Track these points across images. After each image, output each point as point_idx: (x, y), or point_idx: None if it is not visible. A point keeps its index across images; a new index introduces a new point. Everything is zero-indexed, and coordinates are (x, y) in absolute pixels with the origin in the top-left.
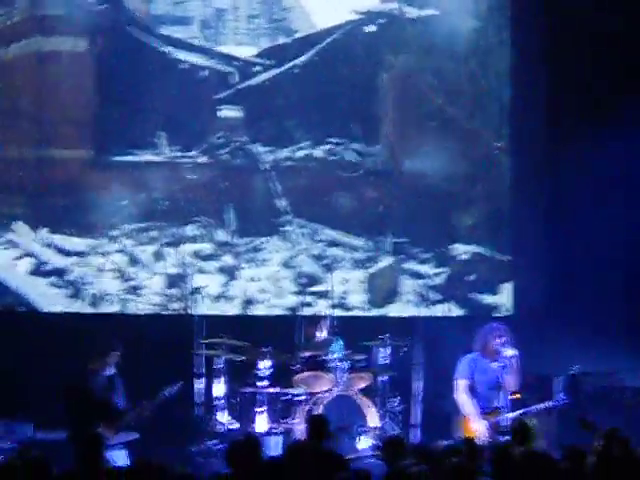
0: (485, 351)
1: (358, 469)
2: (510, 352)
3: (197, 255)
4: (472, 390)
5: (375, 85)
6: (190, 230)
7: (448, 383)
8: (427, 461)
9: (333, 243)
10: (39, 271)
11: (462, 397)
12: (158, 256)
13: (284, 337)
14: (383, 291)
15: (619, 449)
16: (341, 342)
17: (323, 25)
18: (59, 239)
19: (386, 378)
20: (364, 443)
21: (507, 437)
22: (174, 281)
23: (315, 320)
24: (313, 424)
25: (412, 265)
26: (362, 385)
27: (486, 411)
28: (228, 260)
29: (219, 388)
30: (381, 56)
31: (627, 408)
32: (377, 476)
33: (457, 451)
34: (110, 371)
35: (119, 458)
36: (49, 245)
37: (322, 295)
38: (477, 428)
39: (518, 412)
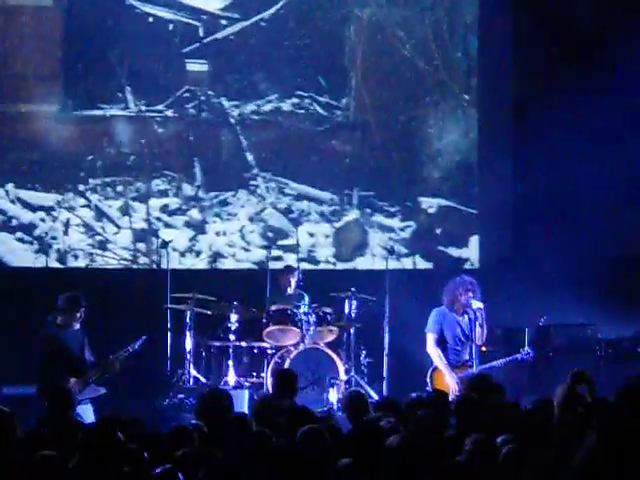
0: (454, 304)
1: (327, 423)
2: (477, 304)
3: (164, 210)
4: (441, 343)
5: (342, 37)
6: (157, 185)
7: (415, 336)
8: (394, 414)
9: (300, 197)
10: (6, 227)
11: (431, 350)
12: (125, 211)
13: (252, 291)
14: (350, 245)
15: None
16: (306, 296)
17: None
18: (25, 194)
19: (353, 331)
20: (334, 396)
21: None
22: (141, 236)
23: (285, 272)
24: (279, 378)
25: (379, 218)
26: (330, 338)
27: (455, 364)
28: (195, 214)
29: (188, 342)
30: (348, 8)
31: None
32: (346, 429)
33: (424, 404)
34: (77, 326)
35: (86, 413)
36: (15, 200)
37: (290, 249)
38: (448, 382)
39: (486, 365)
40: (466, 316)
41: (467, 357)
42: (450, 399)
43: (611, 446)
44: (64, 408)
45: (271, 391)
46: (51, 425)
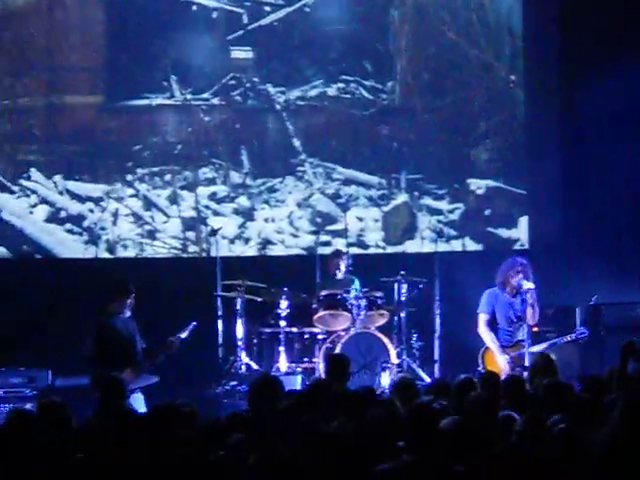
0: (505, 285)
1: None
2: (527, 285)
3: (212, 198)
4: (493, 324)
5: (387, 21)
6: (204, 173)
7: (466, 318)
8: (446, 396)
9: (348, 182)
10: (55, 218)
11: (482, 331)
12: (173, 200)
13: (302, 277)
14: (399, 228)
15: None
16: (356, 281)
17: None
18: (74, 185)
19: (404, 315)
20: (386, 379)
21: (528, 370)
22: (190, 224)
23: (334, 257)
24: (332, 363)
25: (427, 201)
26: (381, 322)
27: (508, 345)
28: (243, 202)
29: (239, 329)
30: None
31: None
32: None
33: (474, 385)
34: (128, 314)
35: (137, 403)
36: (64, 192)
37: (338, 234)
38: (499, 362)
39: (539, 345)
40: (518, 297)
41: (519, 337)
42: (501, 379)
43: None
44: (117, 398)
45: (323, 376)
46: (104, 415)
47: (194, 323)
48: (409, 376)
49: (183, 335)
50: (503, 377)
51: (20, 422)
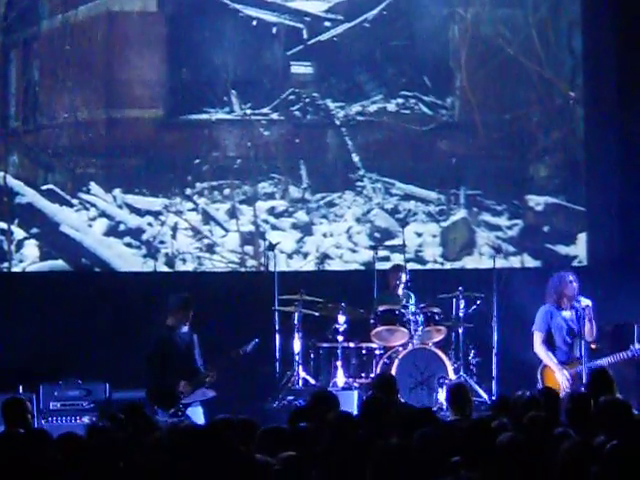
0: (559, 300)
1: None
2: (585, 302)
3: (271, 212)
4: (550, 341)
5: (446, 37)
6: (263, 187)
7: (524, 334)
8: (506, 414)
9: (407, 197)
10: (114, 231)
11: (539, 349)
12: (232, 214)
13: (359, 292)
14: (457, 244)
15: None
16: (412, 296)
17: None
18: (133, 199)
19: (462, 331)
20: (443, 395)
21: (585, 387)
22: (249, 238)
23: (393, 271)
24: (380, 383)
25: (486, 217)
26: (438, 338)
27: (565, 362)
28: (302, 216)
29: (296, 344)
30: (451, 8)
31: None
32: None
33: (536, 402)
34: (186, 328)
35: (196, 415)
36: (123, 205)
37: (397, 249)
38: (558, 379)
39: (598, 362)
40: (573, 312)
41: (576, 354)
42: (561, 396)
43: None
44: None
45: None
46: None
47: (257, 340)
48: (463, 382)
49: (246, 348)
50: (562, 394)
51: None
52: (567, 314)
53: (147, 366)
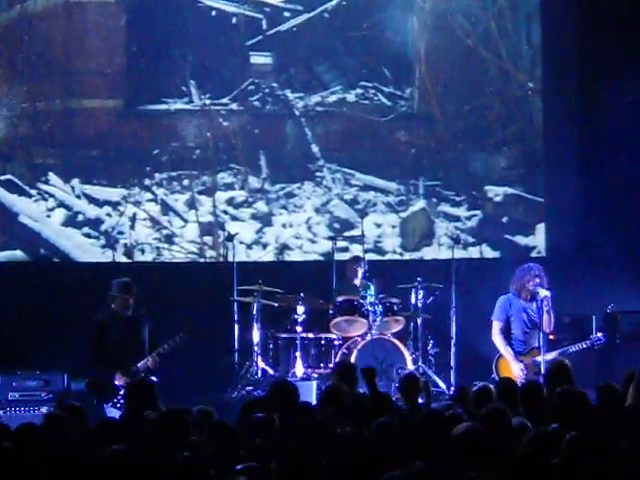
0: (521, 292)
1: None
2: (544, 293)
3: (230, 203)
4: (508, 331)
5: (406, 28)
6: (222, 178)
7: (482, 325)
8: (462, 403)
9: (366, 187)
10: (73, 222)
11: (496, 338)
12: (191, 204)
13: (319, 282)
14: (417, 234)
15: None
16: (371, 286)
17: None
18: (91, 189)
19: (420, 321)
20: None
21: (543, 378)
22: (208, 229)
23: (352, 262)
24: (340, 370)
25: (445, 208)
26: (397, 328)
27: (522, 352)
28: (261, 207)
29: (255, 334)
30: None
31: None
32: None
33: (490, 393)
34: (129, 312)
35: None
36: (82, 196)
37: (356, 240)
38: (513, 369)
39: (555, 352)
40: (534, 303)
41: (534, 344)
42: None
43: None
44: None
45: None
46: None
47: (181, 334)
48: (415, 373)
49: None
50: (518, 384)
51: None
52: (526, 304)
53: (88, 352)
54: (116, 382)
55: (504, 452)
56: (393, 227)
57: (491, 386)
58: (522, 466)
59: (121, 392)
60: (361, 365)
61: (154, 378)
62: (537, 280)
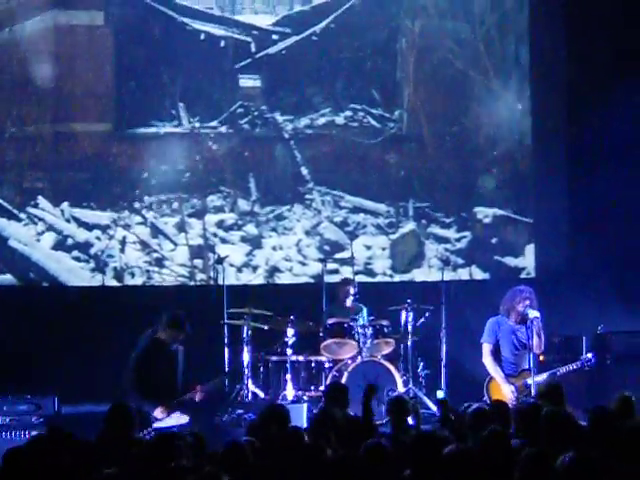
0: (510, 313)
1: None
2: (533, 314)
3: (220, 225)
4: (498, 353)
5: (394, 50)
6: (212, 201)
7: (473, 347)
8: (455, 426)
9: (356, 210)
10: (62, 245)
11: (486, 360)
12: (181, 227)
13: (309, 305)
14: (406, 256)
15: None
16: (364, 309)
17: None
18: (81, 213)
19: (410, 343)
20: None
21: (534, 399)
22: (198, 252)
23: (342, 285)
24: (331, 392)
25: (435, 229)
26: (387, 351)
27: (513, 374)
28: (251, 229)
29: (246, 357)
30: (398, 21)
31: None
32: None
33: (485, 415)
34: (175, 346)
35: None
36: (71, 219)
37: (346, 262)
38: (504, 391)
39: (546, 374)
40: (523, 325)
41: (525, 366)
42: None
43: None
44: (124, 427)
45: (324, 404)
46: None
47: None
48: (403, 395)
49: (212, 386)
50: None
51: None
52: (515, 325)
53: (128, 377)
54: (156, 414)
55: (503, 474)
56: (383, 249)
57: (487, 407)
58: None
59: (154, 425)
60: (352, 387)
61: (187, 417)
62: (527, 302)
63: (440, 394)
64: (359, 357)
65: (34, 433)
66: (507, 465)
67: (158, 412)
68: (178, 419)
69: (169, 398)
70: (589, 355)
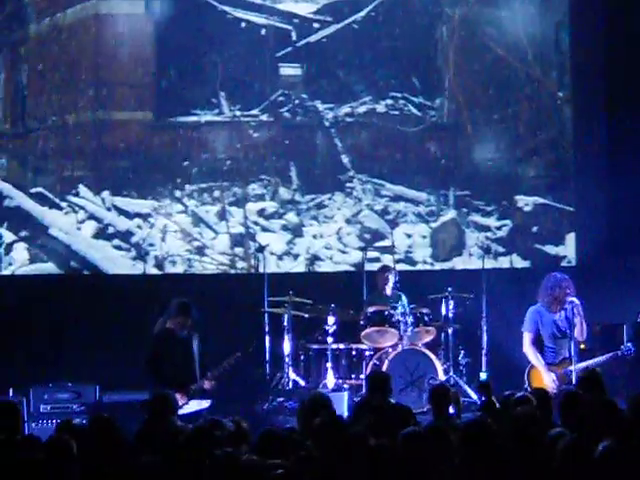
0: (550, 302)
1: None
2: (574, 301)
3: (261, 214)
4: (539, 342)
5: (435, 38)
6: (253, 189)
7: (513, 335)
8: (495, 413)
9: (396, 198)
10: (103, 234)
11: (527, 349)
12: (222, 216)
13: (349, 293)
14: (447, 245)
15: None
16: (403, 297)
17: None
18: (121, 201)
19: (451, 331)
20: None
21: (575, 388)
22: (239, 240)
23: (382, 272)
24: (373, 380)
25: (475, 218)
26: (427, 339)
27: (553, 362)
28: (292, 218)
29: (286, 346)
30: (439, 8)
31: None
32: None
33: (525, 402)
34: (185, 332)
35: None
36: (112, 208)
37: (387, 250)
38: (545, 380)
39: (587, 362)
40: (563, 313)
41: (565, 355)
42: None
43: None
44: (166, 414)
45: (366, 392)
46: (151, 431)
47: (238, 354)
48: (445, 384)
49: (228, 364)
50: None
51: (70, 433)
52: (555, 315)
53: (145, 369)
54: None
55: (542, 462)
56: (423, 237)
57: (528, 395)
58: (560, 475)
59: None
60: (392, 376)
61: (209, 401)
62: (566, 290)
63: (483, 376)
64: (400, 345)
65: (76, 421)
66: (543, 452)
67: (179, 398)
68: (199, 404)
69: (186, 384)
70: (629, 344)
